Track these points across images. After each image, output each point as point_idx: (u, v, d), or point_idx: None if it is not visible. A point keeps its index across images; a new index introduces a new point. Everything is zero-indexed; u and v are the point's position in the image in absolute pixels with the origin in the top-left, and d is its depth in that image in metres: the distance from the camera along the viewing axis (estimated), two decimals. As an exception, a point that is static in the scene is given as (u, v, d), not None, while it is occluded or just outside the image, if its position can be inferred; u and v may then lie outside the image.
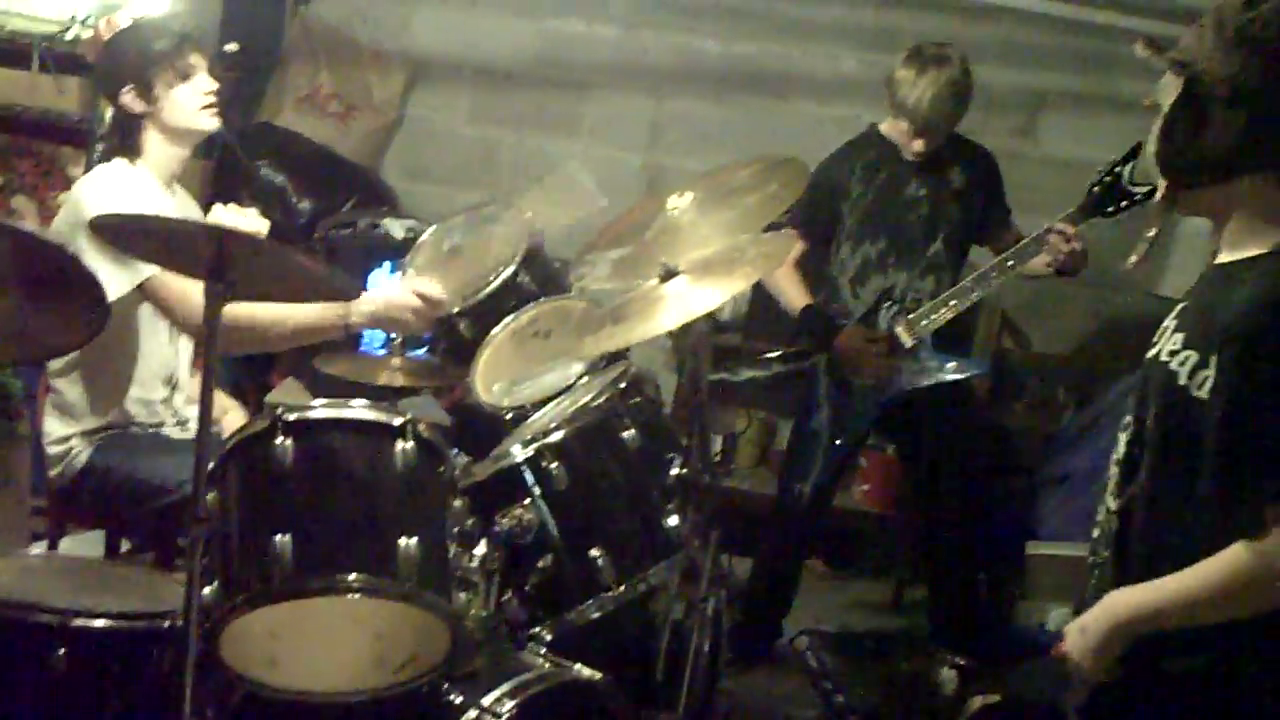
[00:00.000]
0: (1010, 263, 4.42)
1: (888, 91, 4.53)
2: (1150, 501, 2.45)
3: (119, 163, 3.76)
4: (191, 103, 3.75)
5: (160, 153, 3.78)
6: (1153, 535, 2.45)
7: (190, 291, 3.46)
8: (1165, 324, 2.46)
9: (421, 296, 3.60)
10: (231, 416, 4.01)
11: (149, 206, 3.64)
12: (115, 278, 3.47)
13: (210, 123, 3.81)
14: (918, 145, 4.52)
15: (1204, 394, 2.28)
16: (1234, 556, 2.28)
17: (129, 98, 3.71)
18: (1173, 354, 2.37)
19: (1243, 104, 2.25)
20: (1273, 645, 2.38)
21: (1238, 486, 2.27)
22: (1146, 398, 2.44)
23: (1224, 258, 2.39)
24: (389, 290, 3.70)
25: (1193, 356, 2.32)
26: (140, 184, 3.73)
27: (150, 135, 3.76)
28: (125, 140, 3.76)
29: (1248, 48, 2.25)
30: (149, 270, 3.51)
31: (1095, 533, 2.61)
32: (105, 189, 3.67)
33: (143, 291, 3.58)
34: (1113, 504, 2.54)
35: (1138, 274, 5.23)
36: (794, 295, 4.66)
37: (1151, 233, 2.53)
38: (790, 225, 4.60)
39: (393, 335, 3.84)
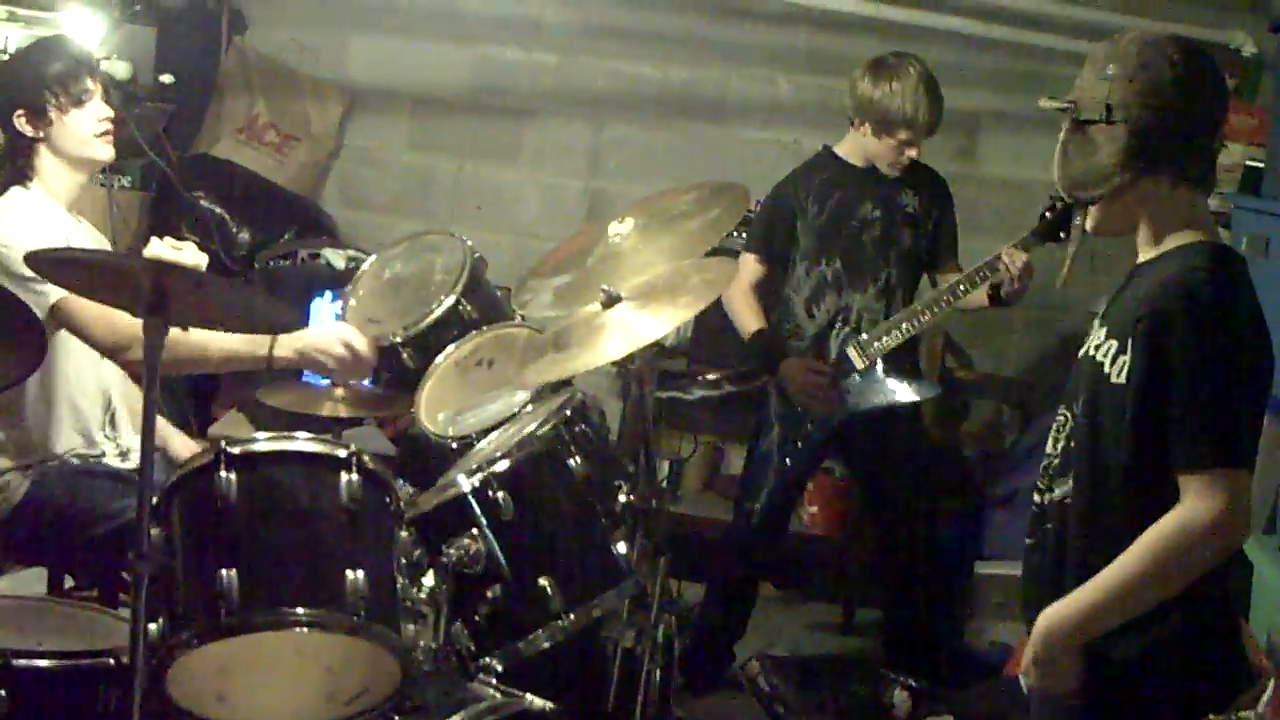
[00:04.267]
0: (962, 287, 4.45)
1: (862, 113, 4.51)
2: (1080, 489, 2.59)
3: (15, 191, 3.63)
4: (85, 129, 3.64)
5: (56, 179, 3.66)
6: (1084, 521, 2.59)
7: (108, 311, 3.30)
8: (1095, 324, 2.67)
9: (349, 348, 3.55)
10: (176, 443, 3.93)
11: (58, 234, 3.57)
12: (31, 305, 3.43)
13: (105, 151, 3.69)
14: (911, 153, 4.53)
15: (1123, 379, 2.48)
16: (1155, 534, 2.42)
17: (20, 122, 3.60)
18: (1097, 347, 2.58)
19: (1117, 120, 2.54)
20: (1207, 615, 2.55)
21: (1154, 459, 2.44)
22: (1077, 391, 2.63)
23: (1140, 260, 2.63)
24: (319, 330, 3.65)
25: (1113, 345, 2.53)
26: (44, 211, 3.63)
27: (44, 161, 3.64)
28: (17, 166, 3.64)
29: (1112, 71, 2.56)
30: (58, 293, 3.38)
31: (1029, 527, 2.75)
32: (12, 219, 3.56)
33: (55, 316, 3.46)
34: (1040, 497, 2.70)
35: (1078, 295, 5.29)
36: (748, 320, 4.64)
37: (1072, 249, 2.86)
38: (746, 249, 4.64)
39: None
